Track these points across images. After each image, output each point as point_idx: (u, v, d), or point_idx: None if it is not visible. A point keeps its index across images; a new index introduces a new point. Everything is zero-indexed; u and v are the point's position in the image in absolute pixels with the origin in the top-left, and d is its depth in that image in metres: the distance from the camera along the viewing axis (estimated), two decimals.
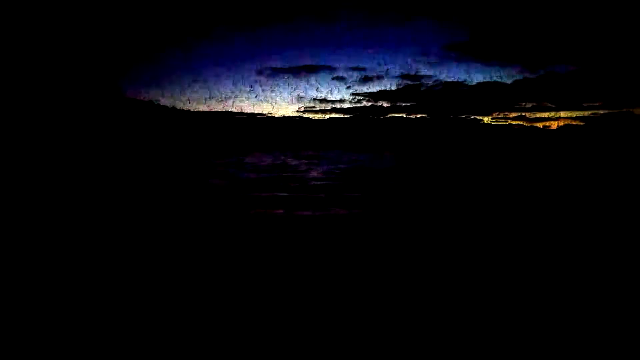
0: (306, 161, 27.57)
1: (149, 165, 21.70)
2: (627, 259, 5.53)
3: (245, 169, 20.75)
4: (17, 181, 13.67)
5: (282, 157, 32.75)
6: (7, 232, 6.79)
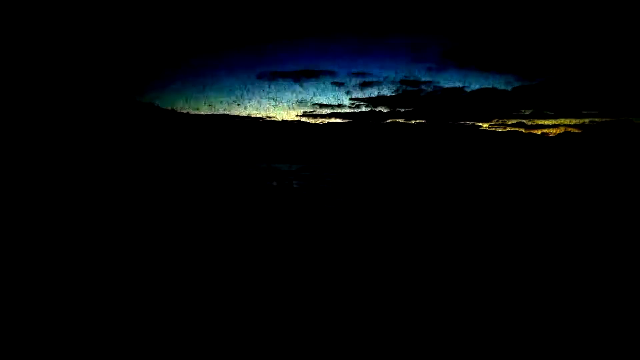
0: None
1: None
2: (624, 261, 5.53)
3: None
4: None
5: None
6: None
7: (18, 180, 13.96)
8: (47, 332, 3.39)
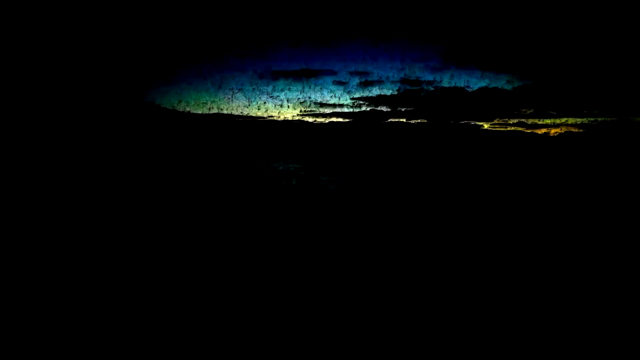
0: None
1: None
2: (625, 262, 5.51)
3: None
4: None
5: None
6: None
7: (21, 179, 13.98)
8: (46, 332, 3.37)
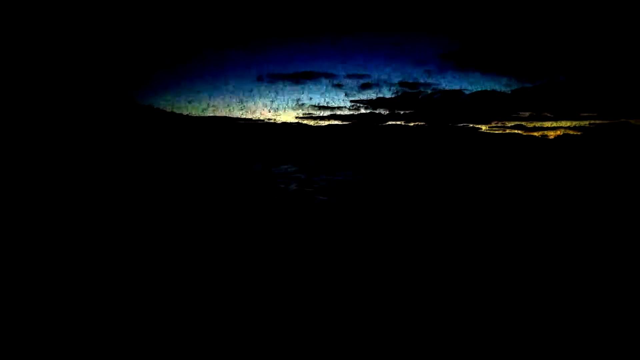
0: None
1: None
2: (625, 264, 5.50)
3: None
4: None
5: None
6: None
7: (12, 181, 13.91)
8: (46, 332, 3.36)
